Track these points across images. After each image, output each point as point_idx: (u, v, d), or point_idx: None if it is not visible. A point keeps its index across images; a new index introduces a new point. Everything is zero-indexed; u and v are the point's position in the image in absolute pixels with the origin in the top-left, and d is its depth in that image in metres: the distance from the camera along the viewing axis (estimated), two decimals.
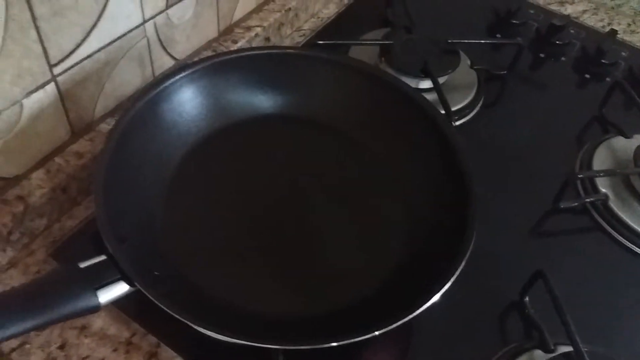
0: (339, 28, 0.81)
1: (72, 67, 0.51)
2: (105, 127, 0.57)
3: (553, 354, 0.49)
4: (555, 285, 0.52)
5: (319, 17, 0.82)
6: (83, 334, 0.46)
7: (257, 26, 0.71)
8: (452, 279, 0.41)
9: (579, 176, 0.62)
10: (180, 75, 0.52)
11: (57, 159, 0.53)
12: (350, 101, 0.59)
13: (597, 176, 0.62)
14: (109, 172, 0.46)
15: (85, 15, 0.49)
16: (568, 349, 0.50)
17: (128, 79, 0.58)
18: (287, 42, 0.77)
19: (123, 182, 0.48)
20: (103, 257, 0.39)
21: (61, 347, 0.45)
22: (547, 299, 0.52)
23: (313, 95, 0.59)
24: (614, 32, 0.85)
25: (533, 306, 0.54)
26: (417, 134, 0.56)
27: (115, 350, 0.46)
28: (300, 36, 0.79)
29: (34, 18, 0.45)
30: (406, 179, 0.55)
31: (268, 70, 0.58)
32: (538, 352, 0.50)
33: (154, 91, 0.50)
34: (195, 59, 0.63)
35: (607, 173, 0.62)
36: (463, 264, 0.42)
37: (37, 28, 0.45)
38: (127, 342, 0.46)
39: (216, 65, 0.54)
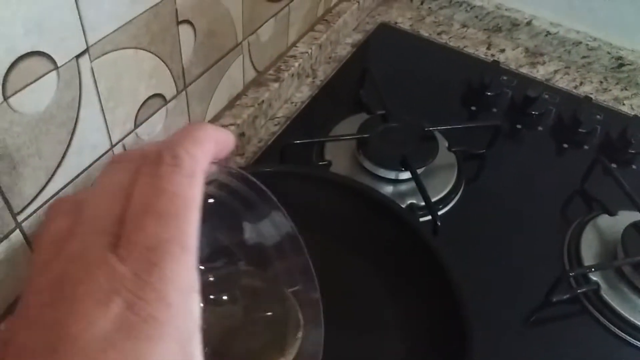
0: (314, 113, 0.80)
1: (37, 209, 0.48)
2: None
3: None
4: None
5: (292, 102, 0.81)
6: None
7: (231, 124, 0.69)
8: None
9: (571, 274, 0.61)
10: None
11: None
12: (332, 213, 0.57)
13: (588, 272, 0.61)
14: None
15: (49, 158, 0.47)
16: None
17: None
18: (262, 133, 0.76)
19: None
20: None
21: None
22: None
23: (292, 210, 0.57)
24: (588, 99, 0.85)
25: None
26: (403, 246, 0.54)
27: None
28: (275, 125, 0.77)
29: None
30: (400, 304, 0.53)
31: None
32: None
33: None
34: None
35: (598, 267, 0.62)
36: None
37: None
38: None
39: None
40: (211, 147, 0.21)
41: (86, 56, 0.46)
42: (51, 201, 0.22)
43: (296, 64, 0.79)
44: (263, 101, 0.73)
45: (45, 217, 0.22)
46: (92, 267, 0.18)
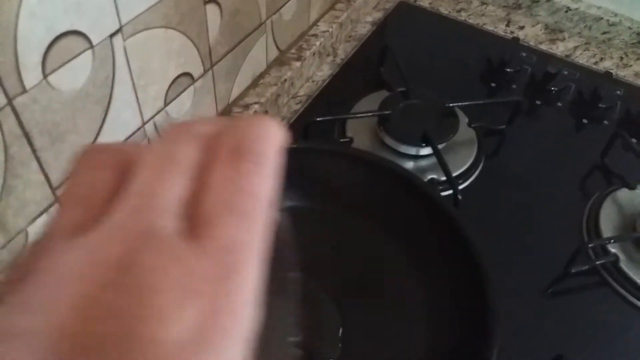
0: (335, 91, 0.81)
1: None
2: None
3: None
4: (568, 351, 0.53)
5: (313, 81, 0.82)
6: None
7: (255, 103, 0.71)
8: None
9: (590, 245, 0.62)
10: None
11: None
12: (354, 188, 0.58)
13: (607, 243, 0.62)
14: None
15: (85, 134, 0.49)
16: None
17: None
18: (284, 111, 0.77)
19: None
20: None
21: None
22: None
23: (318, 186, 0.58)
24: (608, 74, 0.85)
25: None
26: (425, 219, 0.56)
27: None
28: (297, 103, 0.78)
29: (33, 150, 0.44)
30: (423, 277, 0.55)
31: None
32: None
33: None
34: None
35: (617, 239, 0.62)
36: None
37: (37, 159, 0.45)
38: None
39: None
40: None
41: (119, 35, 0.48)
42: (84, 147, 0.19)
43: (317, 43, 0.80)
44: (285, 80, 0.75)
45: (79, 164, 0.18)
46: (167, 256, 0.16)
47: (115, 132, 0.52)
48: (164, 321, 0.14)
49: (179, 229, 0.16)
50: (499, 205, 0.70)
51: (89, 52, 0.45)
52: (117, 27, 0.47)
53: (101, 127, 0.50)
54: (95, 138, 0.50)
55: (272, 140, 0.19)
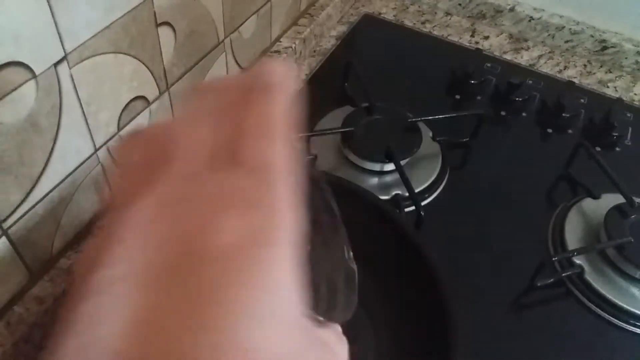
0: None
1: (23, 215, 0.49)
2: (66, 262, 0.55)
3: None
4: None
5: None
6: None
7: None
8: None
9: (554, 259, 0.62)
10: None
11: (17, 308, 0.51)
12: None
13: (572, 256, 0.62)
14: None
15: (32, 165, 0.47)
16: None
17: (85, 207, 0.56)
18: None
19: None
20: None
21: None
22: None
23: None
24: (571, 83, 0.86)
25: None
26: (382, 237, 0.55)
27: None
28: None
29: None
30: (383, 297, 0.54)
31: None
32: None
33: None
34: None
35: (581, 251, 0.62)
36: None
37: None
38: None
39: None
40: None
41: (64, 63, 0.46)
42: (124, 139, 0.23)
43: (280, 59, 0.79)
44: None
45: (123, 149, 0.23)
46: (211, 183, 0.19)
47: (66, 160, 0.51)
48: (217, 229, 0.17)
49: (216, 164, 0.19)
50: (464, 219, 0.69)
51: (32, 82, 0.44)
52: (61, 55, 0.46)
53: (50, 156, 0.49)
54: (44, 167, 0.49)
55: (277, 72, 0.22)
